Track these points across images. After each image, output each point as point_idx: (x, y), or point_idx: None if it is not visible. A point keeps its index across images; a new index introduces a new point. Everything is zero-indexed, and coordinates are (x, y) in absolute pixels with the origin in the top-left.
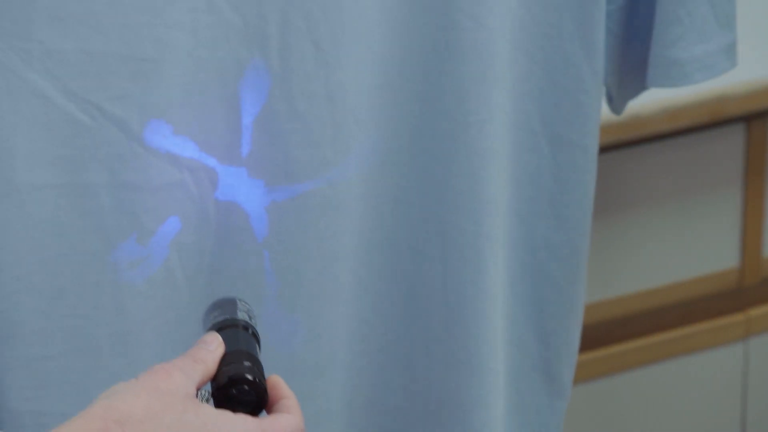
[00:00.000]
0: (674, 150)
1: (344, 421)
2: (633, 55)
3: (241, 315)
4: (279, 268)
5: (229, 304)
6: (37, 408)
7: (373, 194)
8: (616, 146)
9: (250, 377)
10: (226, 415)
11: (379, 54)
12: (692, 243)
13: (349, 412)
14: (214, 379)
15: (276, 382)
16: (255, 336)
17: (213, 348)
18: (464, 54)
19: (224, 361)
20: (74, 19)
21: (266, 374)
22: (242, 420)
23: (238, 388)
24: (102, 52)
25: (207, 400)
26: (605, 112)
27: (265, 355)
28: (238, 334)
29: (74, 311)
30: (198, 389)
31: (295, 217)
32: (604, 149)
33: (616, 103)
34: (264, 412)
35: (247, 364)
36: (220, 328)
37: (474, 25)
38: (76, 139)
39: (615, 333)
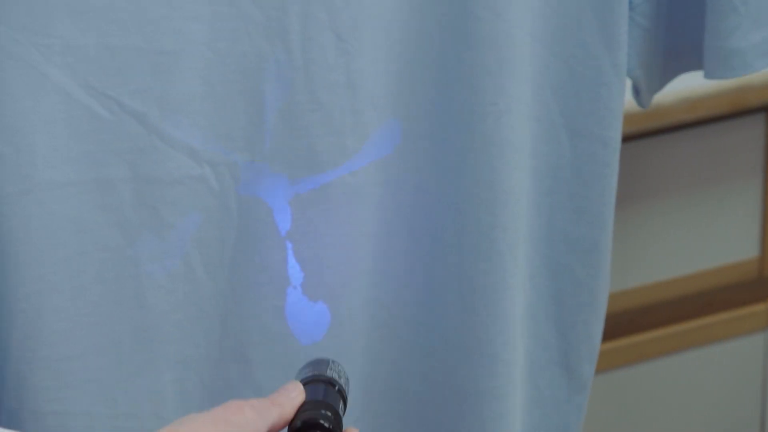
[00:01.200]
0: (694, 140)
1: (362, 407)
2: (660, 47)
3: (330, 373)
4: (302, 258)
5: (321, 363)
6: (60, 408)
7: (392, 180)
8: (636, 136)
9: (325, 424)
10: None
11: (397, 41)
12: (712, 233)
13: (368, 398)
14: (290, 424)
15: None
16: (341, 394)
17: (294, 395)
18: (481, 44)
19: (302, 408)
20: (94, 13)
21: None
22: None
23: None
24: (122, 47)
25: None
26: (624, 102)
27: (288, 345)
28: (323, 388)
29: (96, 309)
30: None
31: (318, 207)
32: (624, 139)
33: (643, 96)
34: None
35: (324, 412)
36: (306, 382)
37: (492, 15)
38: (97, 135)
39: (635, 323)
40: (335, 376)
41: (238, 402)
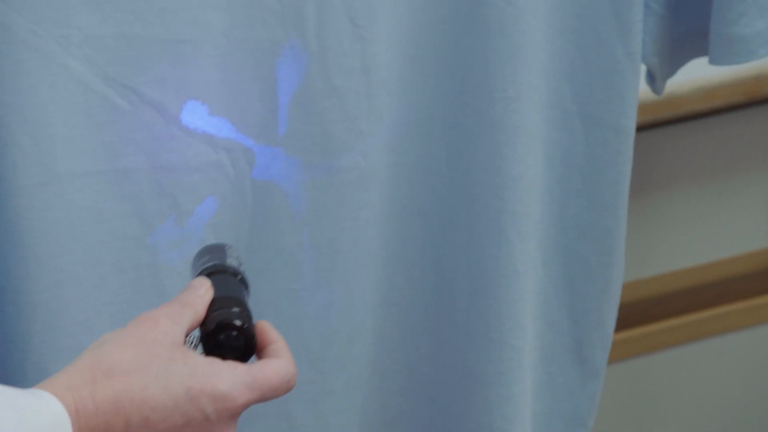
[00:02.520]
0: (709, 130)
1: (374, 386)
2: (672, 33)
3: (231, 261)
4: (316, 242)
5: (219, 250)
6: None
7: (404, 162)
8: (651, 126)
9: (238, 323)
10: (215, 362)
11: (410, 27)
12: (727, 223)
13: (380, 378)
14: (203, 325)
15: (264, 327)
16: (244, 282)
17: (202, 293)
18: (492, 31)
19: (213, 306)
20: (112, 3)
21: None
22: (231, 367)
23: (227, 333)
24: (139, 36)
25: (195, 347)
26: (639, 91)
27: (302, 327)
28: (228, 279)
29: (116, 298)
30: (187, 335)
31: (333, 192)
32: (639, 128)
33: (658, 83)
34: (254, 358)
35: (235, 309)
36: (209, 273)
37: (503, 2)
38: (115, 125)
39: (649, 313)
40: (236, 263)
41: (152, 313)
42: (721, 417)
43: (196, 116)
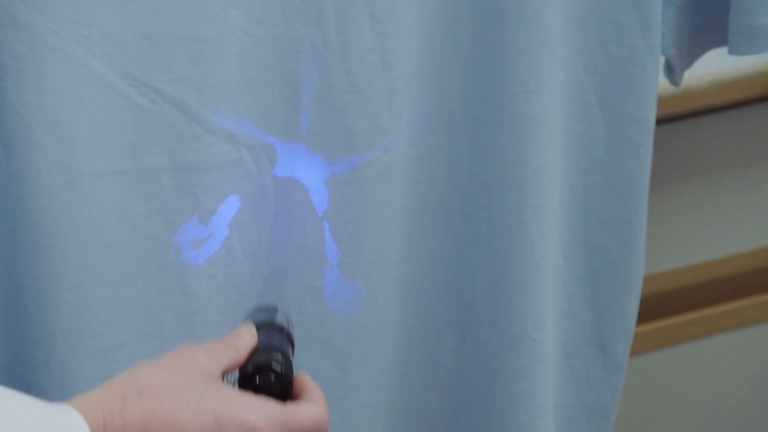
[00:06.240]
0: (726, 123)
1: (398, 381)
2: (691, 24)
3: (280, 320)
4: (339, 238)
5: (271, 310)
6: None
7: (425, 156)
8: (668, 119)
9: (277, 368)
10: (247, 396)
11: (430, 21)
12: (745, 217)
13: (403, 373)
14: (242, 368)
15: (303, 378)
16: (290, 339)
17: (246, 338)
18: (512, 24)
19: (255, 353)
20: (133, 2)
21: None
22: (263, 402)
23: (264, 377)
24: (161, 35)
25: (232, 385)
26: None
27: (325, 324)
28: (273, 334)
29: (140, 297)
30: (224, 374)
31: (355, 187)
32: (656, 122)
33: (676, 74)
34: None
35: (276, 356)
36: (257, 326)
37: None
38: (137, 124)
39: (666, 306)
40: (285, 323)
41: (192, 347)
42: (736, 411)
43: (217, 114)
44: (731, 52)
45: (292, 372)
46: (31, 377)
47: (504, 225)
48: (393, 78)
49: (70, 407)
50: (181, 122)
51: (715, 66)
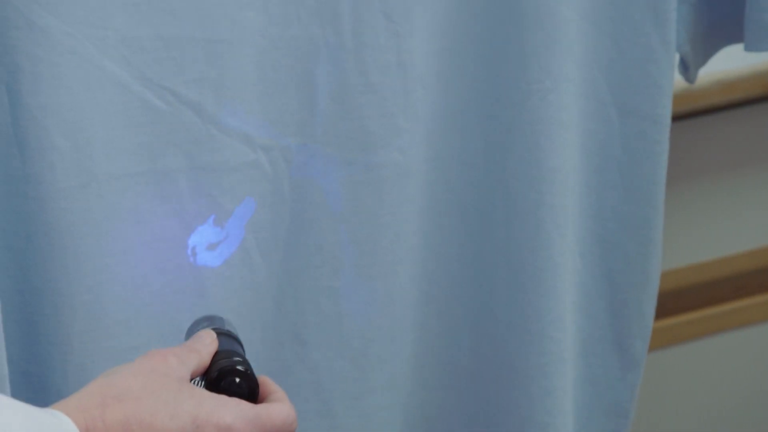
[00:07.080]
0: (728, 123)
1: (416, 382)
2: (705, 21)
3: (228, 327)
4: (355, 239)
5: (216, 319)
6: None
7: (441, 156)
8: (672, 119)
9: (241, 368)
10: (221, 397)
11: (445, 20)
12: (744, 216)
13: (421, 373)
14: (206, 373)
15: (265, 380)
16: (241, 346)
17: (208, 342)
18: (527, 23)
19: (216, 357)
20: (148, 4)
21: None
22: (236, 402)
23: (229, 380)
24: (177, 37)
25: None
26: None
27: (343, 324)
28: (229, 340)
29: (157, 298)
30: (191, 379)
31: (371, 188)
32: None
33: (691, 71)
34: None
35: (237, 359)
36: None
37: None
38: (153, 126)
39: (666, 306)
40: (232, 330)
41: (161, 351)
42: (736, 411)
43: (233, 116)
44: (747, 48)
45: (253, 371)
46: (48, 379)
47: (521, 224)
48: (408, 78)
49: (61, 413)
50: (197, 124)
51: (715, 66)
